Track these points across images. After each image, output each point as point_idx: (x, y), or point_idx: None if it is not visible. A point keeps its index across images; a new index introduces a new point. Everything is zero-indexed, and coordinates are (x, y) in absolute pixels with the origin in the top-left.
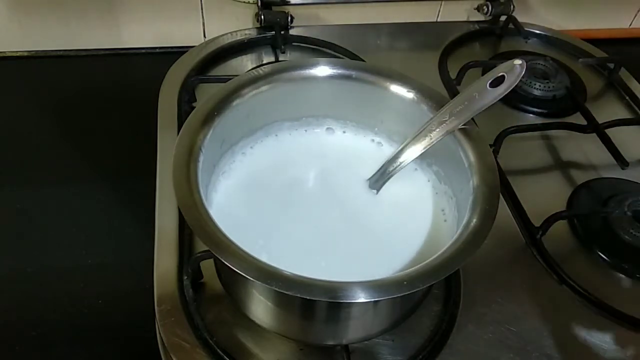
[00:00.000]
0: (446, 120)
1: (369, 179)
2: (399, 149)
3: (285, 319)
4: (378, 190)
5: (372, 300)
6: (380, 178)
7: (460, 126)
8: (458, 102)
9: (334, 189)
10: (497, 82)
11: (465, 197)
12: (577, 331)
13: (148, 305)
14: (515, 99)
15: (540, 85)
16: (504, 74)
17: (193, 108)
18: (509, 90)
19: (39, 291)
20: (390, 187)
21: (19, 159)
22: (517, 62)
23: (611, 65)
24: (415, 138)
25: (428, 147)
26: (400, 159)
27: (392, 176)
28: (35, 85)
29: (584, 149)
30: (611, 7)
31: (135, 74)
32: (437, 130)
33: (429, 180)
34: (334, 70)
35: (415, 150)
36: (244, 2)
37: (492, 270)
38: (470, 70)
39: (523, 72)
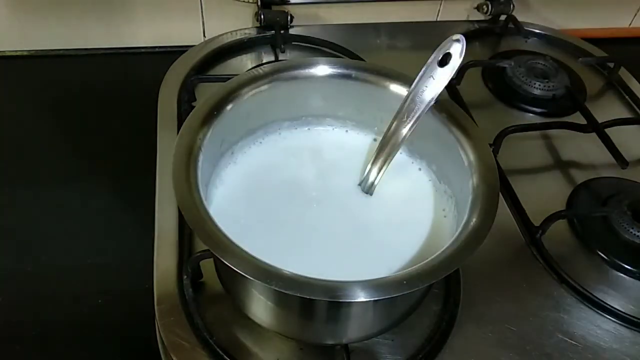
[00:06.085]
0: (404, 119)
1: (359, 184)
2: (375, 154)
3: (285, 319)
4: (372, 194)
5: (372, 299)
6: (368, 184)
7: (429, 107)
8: (417, 90)
9: (335, 188)
10: (444, 61)
11: (465, 197)
12: (576, 331)
13: (148, 304)
14: (515, 99)
15: (540, 85)
16: (449, 51)
17: (193, 107)
18: (458, 67)
19: (39, 291)
20: (391, 186)
21: (19, 159)
22: (456, 37)
23: (611, 65)
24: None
25: (410, 131)
26: (382, 159)
27: (379, 178)
28: (35, 85)
29: (584, 148)
30: (611, 6)
31: (135, 74)
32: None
33: (429, 180)
34: (334, 70)
35: (404, 131)
36: (244, 1)
37: (492, 270)
38: (470, 70)
39: (465, 44)
